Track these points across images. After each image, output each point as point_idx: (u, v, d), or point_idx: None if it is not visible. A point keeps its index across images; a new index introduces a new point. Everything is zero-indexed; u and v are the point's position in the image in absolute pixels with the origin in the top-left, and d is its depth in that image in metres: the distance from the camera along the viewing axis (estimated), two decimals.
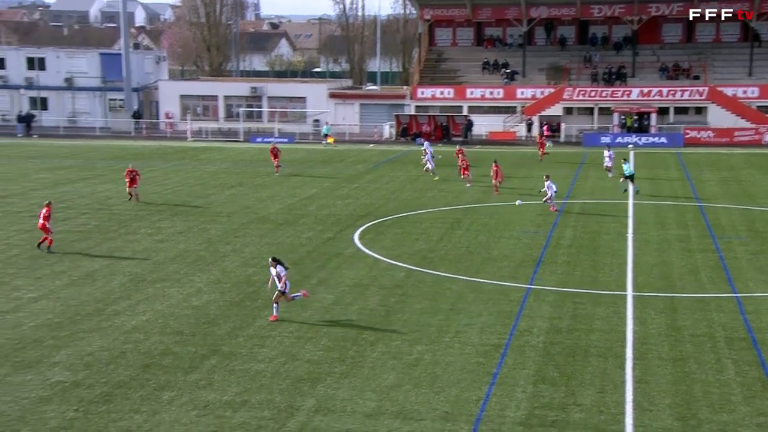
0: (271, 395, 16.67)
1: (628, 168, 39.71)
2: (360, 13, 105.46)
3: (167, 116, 74.58)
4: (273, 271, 21.54)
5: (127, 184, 38.38)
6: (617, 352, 18.90)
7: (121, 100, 75.93)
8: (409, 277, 25.53)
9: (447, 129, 66.74)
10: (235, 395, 16.72)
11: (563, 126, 66.13)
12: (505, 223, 33.32)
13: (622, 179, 40.05)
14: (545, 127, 62.59)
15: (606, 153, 46.03)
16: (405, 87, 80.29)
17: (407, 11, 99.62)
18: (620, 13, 69.98)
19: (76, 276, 25.47)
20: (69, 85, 75.50)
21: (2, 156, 55.08)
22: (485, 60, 73.26)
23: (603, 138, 61.34)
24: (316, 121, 72.13)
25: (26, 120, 70.45)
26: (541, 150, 53.39)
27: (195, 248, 29.18)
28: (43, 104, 75.38)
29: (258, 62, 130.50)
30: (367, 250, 28.85)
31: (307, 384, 17.22)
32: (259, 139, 65.19)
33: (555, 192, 35.78)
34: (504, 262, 27.20)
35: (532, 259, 27.43)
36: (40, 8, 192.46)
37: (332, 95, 74.02)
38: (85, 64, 76.41)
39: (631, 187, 39.17)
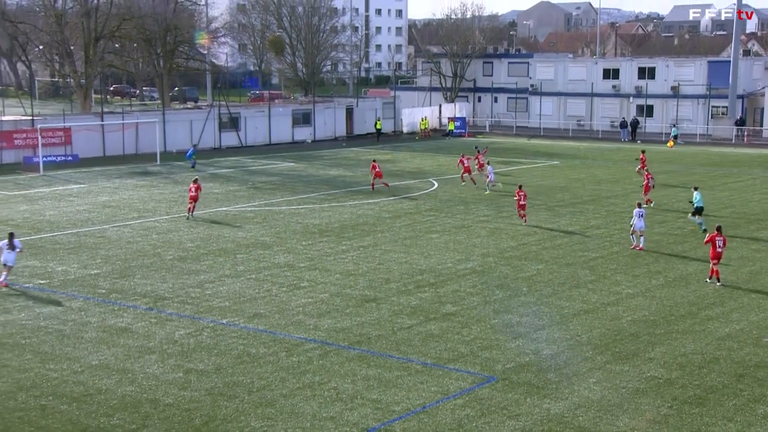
0: None
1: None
2: None
3: None
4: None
5: (189, 198, 34.81)
6: None
7: (724, 107, 73.67)
8: None
9: None
10: None
11: None
12: None
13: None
14: None
15: None
16: None
17: None
18: None
19: (672, 277, 25.51)
20: (674, 93, 75.72)
21: (608, 159, 57.65)
22: None
23: None
24: None
25: (631, 126, 72.64)
26: None
27: None
28: (649, 111, 76.85)
29: None
30: None
31: None
32: None
33: None
34: None
35: None
36: (655, 20, 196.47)
37: None
38: (692, 73, 75.88)
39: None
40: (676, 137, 67.78)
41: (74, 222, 33.81)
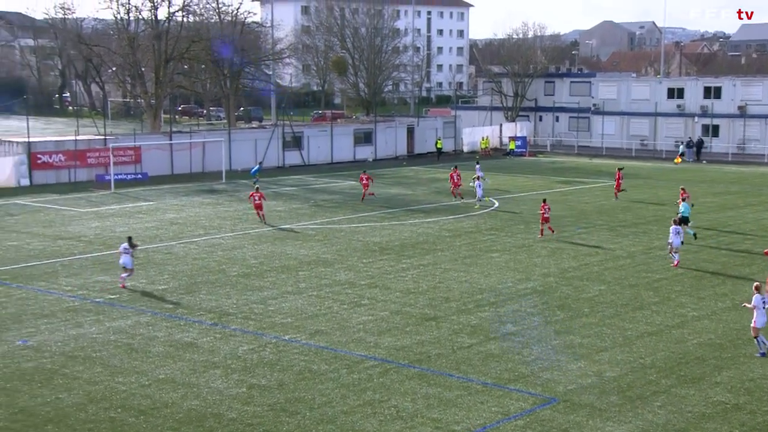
0: None
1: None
2: None
3: None
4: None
5: (255, 207, 38.42)
6: None
7: None
8: None
9: None
10: None
11: None
12: None
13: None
14: None
15: None
16: None
17: None
18: None
19: (738, 300, 24.82)
20: (741, 113, 74.03)
21: (671, 180, 56.62)
22: None
23: None
24: None
25: (696, 146, 71.25)
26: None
27: None
28: (715, 131, 75.27)
29: None
30: None
31: None
32: None
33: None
34: None
35: None
36: (721, 39, 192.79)
37: None
38: (760, 92, 74.09)
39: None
40: (683, 155, 69.25)
41: (143, 238, 34.53)
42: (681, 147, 70.87)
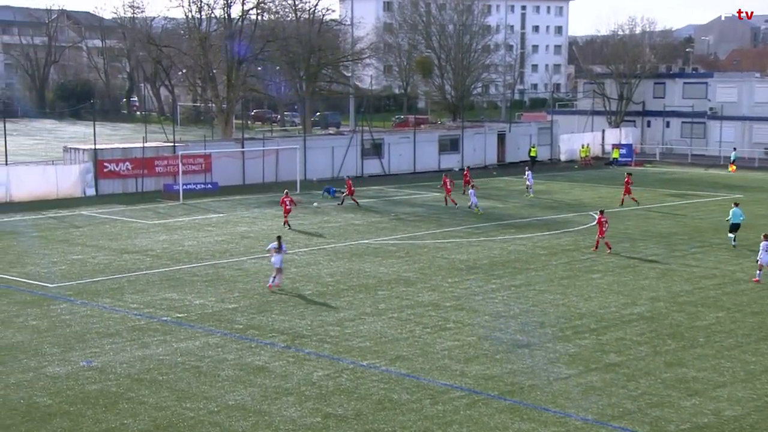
0: None
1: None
2: None
3: None
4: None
5: (284, 212, 41.03)
6: None
7: None
8: None
9: None
10: None
11: None
12: None
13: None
14: None
15: None
16: None
17: None
18: None
19: None
20: None
21: None
22: None
23: None
24: None
25: None
26: None
27: None
28: None
29: None
30: None
31: None
32: None
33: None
34: None
35: None
36: None
37: None
38: None
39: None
40: (734, 161, 69.49)
41: (212, 253, 35.27)
42: (733, 154, 70.30)
